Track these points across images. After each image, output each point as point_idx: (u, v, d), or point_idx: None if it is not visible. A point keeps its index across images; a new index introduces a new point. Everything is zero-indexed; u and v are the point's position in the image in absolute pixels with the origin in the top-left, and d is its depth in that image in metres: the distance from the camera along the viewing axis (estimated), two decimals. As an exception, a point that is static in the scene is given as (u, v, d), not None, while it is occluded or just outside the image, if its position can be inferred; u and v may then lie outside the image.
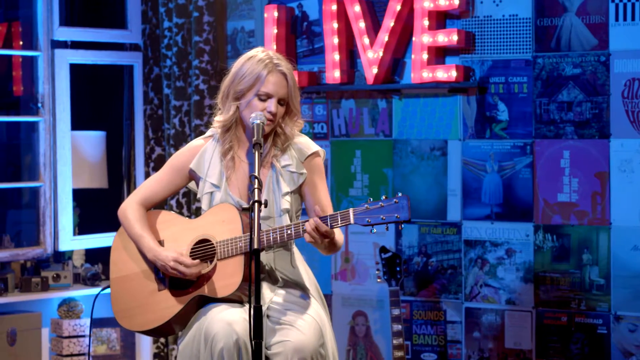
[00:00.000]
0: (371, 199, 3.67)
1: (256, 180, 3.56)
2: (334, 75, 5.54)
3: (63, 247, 5.81)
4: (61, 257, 5.89)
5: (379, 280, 5.14)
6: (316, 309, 3.88)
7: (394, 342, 5.01)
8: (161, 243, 3.95)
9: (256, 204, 3.48)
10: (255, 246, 3.39)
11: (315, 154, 3.94)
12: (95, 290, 5.79)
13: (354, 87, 5.57)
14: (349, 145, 5.63)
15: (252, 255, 3.44)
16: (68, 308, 5.68)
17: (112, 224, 6.17)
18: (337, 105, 5.68)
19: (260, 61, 3.86)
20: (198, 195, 3.98)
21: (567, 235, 5.10)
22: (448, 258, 5.40)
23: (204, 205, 3.95)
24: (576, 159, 5.07)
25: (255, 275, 3.43)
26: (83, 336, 5.69)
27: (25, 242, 5.98)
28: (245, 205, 3.87)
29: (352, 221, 3.65)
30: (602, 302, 5.03)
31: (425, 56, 5.28)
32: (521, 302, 5.22)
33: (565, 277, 5.11)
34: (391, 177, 5.54)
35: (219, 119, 3.95)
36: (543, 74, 5.13)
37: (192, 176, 4.01)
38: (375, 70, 5.40)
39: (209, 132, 4.03)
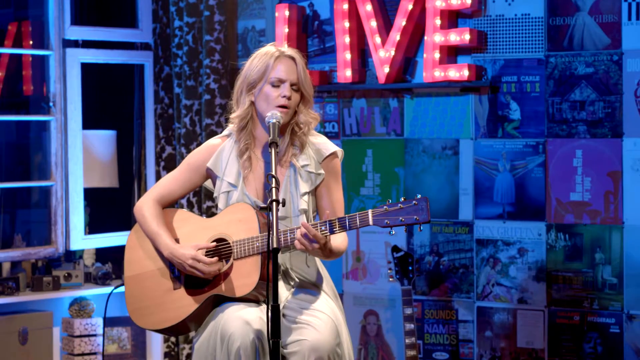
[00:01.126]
0: (390, 200, 3.66)
1: (273, 179, 3.55)
2: (345, 74, 5.54)
3: (74, 246, 5.81)
4: (72, 257, 5.89)
5: (391, 279, 5.14)
6: (332, 307, 3.88)
7: (407, 341, 5.01)
8: (177, 241, 3.94)
9: (274, 203, 3.47)
10: (275, 245, 3.38)
11: (334, 154, 3.94)
12: (106, 290, 5.79)
13: (365, 86, 5.56)
14: (360, 145, 5.62)
15: (270, 254, 3.43)
16: (79, 307, 5.68)
17: (122, 223, 6.20)
18: (348, 105, 5.67)
19: (267, 52, 3.93)
20: (214, 194, 3.98)
21: (580, 234, 5.10)
22: (460, 257, 5.40)
23: (220, 204, 3.95)
24: (589, 158, 5.07)
25: (273, 274, 3.43)
26: (94, 335, 5.69)
27: (36, 241, 5.98)
28: (262, 205, 3.87)
29: (370, 223, 3.64)
30: (614, 301, 5.03)
31: (437, 55, 5.28)
32: (533, 301, 5.22)
33: (577, 276, 5.11)
34: (403, 177, 5.54)
35: (234, 115, 3.95)
36: (555, 73, 5.13)
37: (209, 175, 4.01)
38: (387, 70, 5.40)
39: (225, 131, 4.03)
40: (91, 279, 5.86)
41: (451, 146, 5.41)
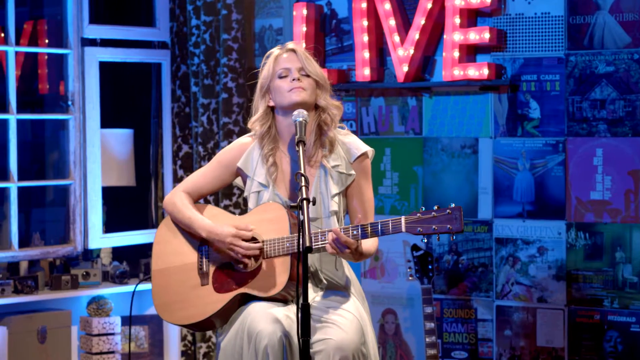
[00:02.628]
0: (423, 208, 3.66)
1: (302, 177, 3.55)
2: (363, 73, 5.54)
3: (92, 245, 5.81)
4: (89, 255, 5.89)
5: (410, 278, 5.14)
6: (358, 307, 3.87)
7: (427, 340, 5.01)
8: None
9: (304, 202, 3.47)
10: (307, 244, 3.38)
11: (365, 155, 3.94)
12: (123, 288, 5.79)
13: (383, 85, 5.56)
14: (379, 143, 5.62)
15: (300, 253, 3.43)
16: (97, 306, 5.68)
17: (139, 222, 6.20)
18: (366, 103, 5.67)
19: (269, 53, 4.00)
20: (245, 194, 3.98)
21: (600, 233, 5.10)
22: (479, 256, 5.40)
23: (250, 204, 3.95)
24: (609, 157, 5.06)
25: (304, 273, 3.43)
26: (112, 334, 5.69)
27: (52, 240, 5.98)
28: (293, 204, 3.86)
29: (403, 229, 3.64)
30: (635, 300, 5.02)
31: (456, 54, 5.27)
32: (553, 300, 5.21)
33: (598, 275, 5.11)
34: (421, 175, 5.54)
35: (253, 118, 3.98)
36: (576, 71, 5.12)
37: (239, 174, 4.01)
38: (405, 68, 5.40)
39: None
40: (109, 277, 5.86)
41: (470, 145, 5.41)
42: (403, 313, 5.61)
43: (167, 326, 5.94)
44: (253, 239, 3.86)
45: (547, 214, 5.21)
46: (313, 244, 3.68)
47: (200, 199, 4.09)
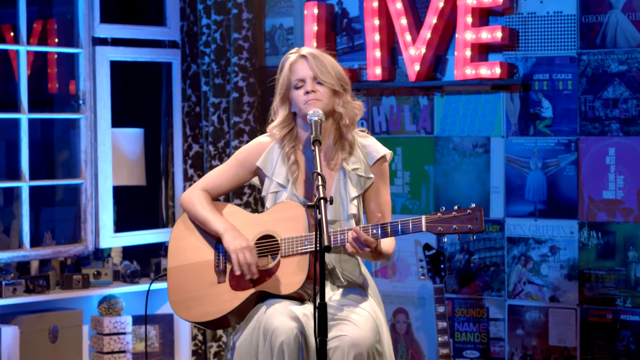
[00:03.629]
0: (443, 208, 3.66)
1: (319, 177, 3.55)
2: (375, 72, 5.54)
3: (104, 244, 5.81)
4: (100, 254, 5.88)
5: (422, 277, 5.14)
6: (372, 305, 3.87)
7: (439, 339, 5.01)
8: None
9: (322, 201, 3.46)
10: (326, 243, 3.37)
11: (383, 158, 3.94)
12: (134, 288, 5.79)
13: (395, 84, 5.56)
14: (390, 143, 5.58)
15: (318, 252, 3.42)
16: (108, 305, 5.68)
17: (149, 221, 6.20)
18: (377, 103, 5.67)
19: (286, 58, 3.97)
20: (263, 194, 3.97)
21: (613, 232, 5.09)
22: (491, 255, 5.39)
23: (268, 204, 3.94)
24: (622, 156, 5.06)
25: (321, 272, 3.43)
26: (123, 333, 5.69)
27: (63, 239, 5.98)
28: (310, 203, 3.86)
29: (423, 229, 3.64)
30: (648, 300, 5.03)
31: (468, 53, 5.27)
32: (565, 299, 5.21)
33: (610, 275, 5.10)
34: (432, 175, 5.53)
35: (273, 124, 3.97)
36: (588, 70, 5.12)
37: (258, 173, 4.00)
38: (417, 68, 5.39)
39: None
40: (119, 277, 5.85)
41: (482, 144, 5.40)
42: (414, 312, 5.60)
43: (178, 325, 5.93)
44: (270, 237, 3.86)
45: (560, 213, 5.21)
46: (332, 243, 3.67)
47: (219, 197, 4.09)
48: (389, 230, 3.67)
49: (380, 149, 3.94)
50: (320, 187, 3.51)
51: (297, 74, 3.88)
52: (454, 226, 3.62)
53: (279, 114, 3.96)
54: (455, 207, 3.65)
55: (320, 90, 3.86)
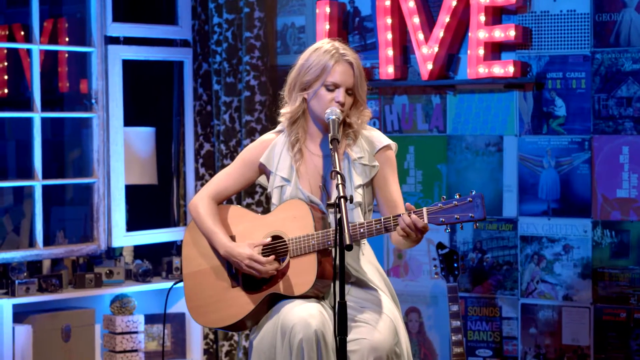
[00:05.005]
0: (444, 197, 3.64)
1: (339, 175, 3.54)
2: (387, 71, 5.53)
3: (116, 243, 5.81)
4: (112, 253, 5.88)
5: (436, 276, 5.13)
6: (389, 306, 3.86)
7: (453, 338, 5.00)
8: (232, 239, 3.93)
9: (342, 200, 3.45)
10: (347, 242, 3.37)
11: (387, 147, 3.91)
12: (146, 287, 5.78)
13: (407, 83, 5.55)
14: (402, 141, 5.61)
15: (337, 251, 3.42)
16: (121, 304, 5.67)
17: (161, 220, 6.19)
18: (389, 101, 5.66)
19: (326, 52, 3.85)
20: (268, 190, 3.96)
21: (627, 231, 5.09)
22: (504, 254, 5.39)
23: (274, 199, 3.93)
24: (635, 155, 5.05)
25: (340, 271, 3.42)
26: (135, 332, 5.68)
27: (74, 238, 5.98)
28: (316, 200, 3.86)
29: (425, 220, 3.63)
30: (662, 298, 5.03)
31: (481, 52, 5.26)
32: (579, 298, 5.21)
33: (624, 273, 5.09)
34: (445, 173, 5.53)
35: (285, 110, 3.94)
36: (602, 69, 5.11)
37: (263, 170, 3.99)
38: (430, 66, 5.39)
39: (279, 127, 4.00)
40: (131, 276, 5.85)
41: (495, 143, 5.40)
42: (427, 311, 5.60)
43: (190, 325, 5.93)
44: (279, 237, 3.85)
45: (573, 212, 5.21)
46: (352, 240, 3.66)
47: (226, 200, 4.08)
48: (391, 222, 3.64)
49: (383, 139, 3.92)
50: (340, 186, 3.50)
51: (336, 78, 3.81)
52: (456, 216, 3.60)
53: (293, 100, 3.90)
54: (457, 196, 3.63)
55: (348, 101, 3.84)
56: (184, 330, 5.94)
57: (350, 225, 3.66)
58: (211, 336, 6.03)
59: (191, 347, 5.96)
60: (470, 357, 5.46)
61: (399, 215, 3.64)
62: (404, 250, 5.61)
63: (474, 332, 5.47)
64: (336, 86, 3.82)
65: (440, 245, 5.17)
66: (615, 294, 5.12)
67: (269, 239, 3.85)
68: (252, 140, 5.81)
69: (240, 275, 3.89)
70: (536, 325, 5.32)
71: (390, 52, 5.52)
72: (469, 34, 5.31)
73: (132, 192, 5.99)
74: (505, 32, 5.22)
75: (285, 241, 3.83)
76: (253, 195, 5.86)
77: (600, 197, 5.14)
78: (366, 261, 3.96)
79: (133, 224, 5.95)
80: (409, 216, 3.61)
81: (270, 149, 3.96)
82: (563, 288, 5.24)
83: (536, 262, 5.30)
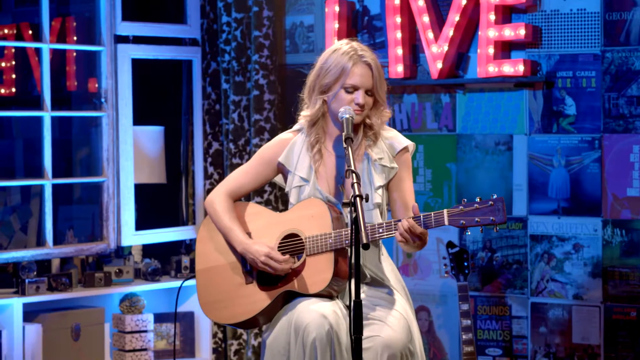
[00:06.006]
0: (465, 200, 3.65)
1: (354, 174, 3.54)
2: (396, 70, 5.53)
3: (125, 242, 5.81)
4: (120, 252, 5.88)
5: (446, 275, 5.13)
6: (403, 305, 3.87)
7: (464, 337, 5.01)
8: (249, 236, 3.93)
9: (357, 199, 3.45)
10: (365, 240, 3.37)
11: (405, 149, 3.94)
12: (155, 286, 5.79)
13: (417, 81, 5.55)
14: (412, 140, 5.56)
15: (353, 250, 3.42)
16: (130, 303, 5.67)
17: (170, 219, 6.19)
18: (398, 100, 5.66)
19: (344, 53, 3.85)
20: (286, 189, 3.97)
21: (637, 230, 5.09)
22: (513, 253, 5.39)
23: (292, 199, 3.94)
24: (646, 154, 5.07)
25: (356, 270, 3.42)
26: (145, 331, 5.69)
27: (83, 237, 5.98)
28: (333, 200, 3.86)
29: (446, 222, 3.63)
30: (672, 297, 5.02)
31: (491, 50, 5.26)
32: (589, 297, 5.21)
33: (634, 272, 5.10)
34: (455, 172, 5.53)
35: (305, 113, 3.94)
36: (612, 68, 5.11)
37: (281, 169, 3.99)
38: (439, 65, 5.39)
39: (296, 126, 4.01)
40: (140, 275, 5.85)
41: (505, 142, 5.40)
42: (436, 310, 5.60)
43: (199, 323, 5.94)
44: (295, 236, 3.85)
45: (583, 210, 5.21)
46: (370, 238, 3.66)
47: (242, 197, 4.08)
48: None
49: (402, 140, 3.94)
50: (356, 185, 3.50)
51: (355, 80, 3.80)
52: (476, 219, 3.60)
53: (313, 102, 3.90)
54: (477, 199, 3.63)
55: (368, 102, 3.84)
56: (192, 329, 5.94)
57: (369, 225, 3.68)
58: (220, 335, 6.03)
59: (200, 345, 5.96)
60: (480, 356, 5.46)
61: (399, 221, 3.65)
62: (413, 249, 5.60)
63: (484, 331, 5.47)
64: (355, 88, 3.82)
65: (450, 244, 5.17)
66: (625, 292, 5.12)
67: (286, 238, 3.85)
68: (261, 139, 5.81)
69: (255, 272, 3.90)
70: (546, 324, 5.32)
71: (399, 51, 5.52)
72: (479, 33, 5.31)
73: (141, 191, 5.99)
74: (515, 31, 5.22)
75: (301, 239, 3.83)
76: (262, 194, 5.86)
77: (611, 196, 5.14)
78: (385, 261, 3.96)
79: (142, 223, 5.95)
80: (407, 221, 3.62)
81: (289, 148, 3.96)
82: (573, 287, 5.24)
83: (546, 261, 5.30)
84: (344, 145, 3.68)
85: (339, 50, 3.88)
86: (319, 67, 3.90)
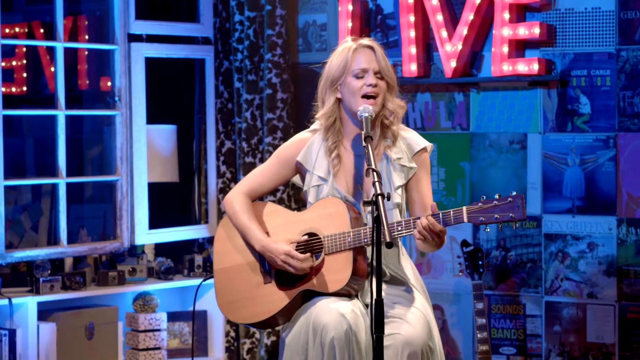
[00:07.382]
0: (484, 197, 3.64)
1: (374, 173, 3.54)
2: (410, 68, 5.53)
3: (139, 240, 5.81)
4: (134, 251, 5.88)
5: (460, 273, 5.13)
6: (422, 302, 3.87)
7: (479, 335, 5.00)
8: (267, 235, 3.93)
9: (379, 197, 3.45)
10: (388, 239, 3.36)
11: (424, 149, 3.95)
12: (169, 285, 5.79)
13: (430, 80, 5.55)
14: (425, 139, 5.58)
15: (374, 248, 3.42)
16: (144, 302, 5.67)
17: (183, 218, 6.19)
18: (412, 99, 5.66)
19: (345, 47, 3.93)
20: (304, 188, 3.97)
21: (652, 228, 5.09)
22: (527, 252, 5.38)
23: (310, 198, 3.94)
24: (661, 152, 5.06)
25: (377, 269, 3.42)
26: (158, 330, 5.68)
27: (95, 235, 5.97)
28: (352, 199, 3.86)
29: (465, 220, 3.63)
30: (688, 296, 5.02)
31: (505, 49, 5.26)
32: (604, 296, 5.20)
33: (649, 271, 5.10)
34: (468, 171, 5.53)
35: (321, 112, 3.94)
36: (627, 67, 5.11)
37: (299, 169, 3.99)
38: (453, 64, 5.38)
39: (314, 125, 4.01)
40: (153, 273, 5.85)
41: (519, 140, 5.39)
42: (450, 309, 5.60)
43: (212, 322, 5.93)
44: (313, 235, 3.85)
45: (598, 209, 5.20)
46: (392, 235, 3.65)
47: (262, 197, 4.08)
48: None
49: (420, 141, 3.96)
50: (377, 184, 3.50)
51: (361, 64, 3.85)
52: (496, 215, 3.60)
53: (326, 101, 3.92)
54: (497, 196, 3.63)
55: (380, 85, 3.85)
56: (205, 328, 5.94)
57: (389, 224, 3.68)
58: (232, 334, 6.03)
59: (213, 344, 5.96)
60: (494, 355, 5.46)
61: (418, 218, 3.65)
62: (427, 248, 5.60)
63: (498, 330, 5.47)
64: (364, 71, 3.85)
65: (464, 243, 5.17)
66: (640, 291, 5.12)
67: (305, 237, 3.85)
68: (274, 138, 5.81)
69: (273, 272, 3.89)
70: (560, 323, 5.31)
71: (413, 50, 5.52)
72: (493, 32, 5.31)
73: (154, 190, 5.99)
74: (529, 30, 5.21)
75: (319, 238, 3.83)
76: (275, 193, 5.86)
77: (625, 194, 5.14)
78: (406, 261, 3.96)
79: (155, 222, 5.95)
80: (427, 219, 3.62)
81: (307, 147, 3.96)
82: (587, 286, 5.24)
83: (560, 259, 5.30)
84: (364, 144, 3.68)
85: (339, 47, 3.96)
86: (326, 69, 3.96)
